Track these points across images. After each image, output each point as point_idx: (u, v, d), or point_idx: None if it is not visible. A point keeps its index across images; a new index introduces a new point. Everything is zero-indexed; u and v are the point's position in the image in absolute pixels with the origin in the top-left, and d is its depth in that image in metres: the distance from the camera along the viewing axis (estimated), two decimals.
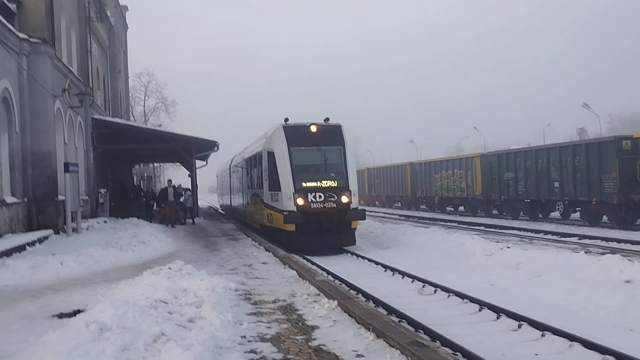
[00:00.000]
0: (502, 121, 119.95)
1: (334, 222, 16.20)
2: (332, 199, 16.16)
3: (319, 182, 16.36)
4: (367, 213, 18.30)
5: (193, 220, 27.00)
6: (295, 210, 15.99)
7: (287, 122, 17.44)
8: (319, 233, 16.11)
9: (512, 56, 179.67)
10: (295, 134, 16.97)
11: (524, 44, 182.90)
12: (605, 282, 9.55)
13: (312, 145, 16.84)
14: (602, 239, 17.79)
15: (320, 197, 16.11)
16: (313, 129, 16.97)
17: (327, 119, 17.61)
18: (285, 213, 16.11)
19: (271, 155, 17.25)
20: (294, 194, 16.10)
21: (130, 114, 49.21)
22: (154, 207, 27.36)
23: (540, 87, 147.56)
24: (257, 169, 19.64)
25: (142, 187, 42.52)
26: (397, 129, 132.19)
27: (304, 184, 16.26)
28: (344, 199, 16.25)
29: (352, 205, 16.41)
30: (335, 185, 16.42)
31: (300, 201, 16.04)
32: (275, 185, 16.91)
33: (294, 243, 16.18)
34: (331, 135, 17.21)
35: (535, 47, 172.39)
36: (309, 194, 16.09)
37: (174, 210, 24.90)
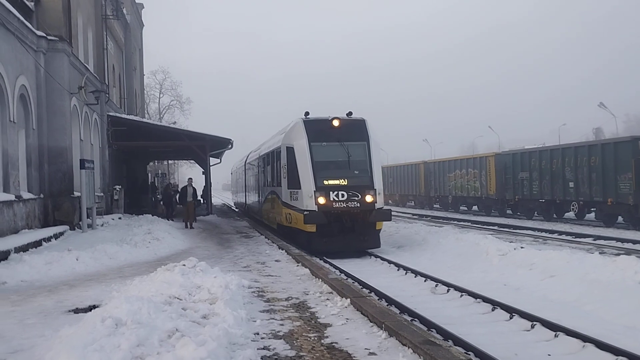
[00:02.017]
0: (517, 118, 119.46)
1: (357, 222, 15.38)
2: (356, 198, 15.29)
3: (341, 179, 15.49)
4: None
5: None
6: (317, 210, 15.14)
7: (308, 116, 16.57)
8: (341, 234, 15.31)
9: (524, 51, 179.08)
10: (317, 129, 16.14)
11: (536, 38, 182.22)
12: (619, 283, 9.47)
13: (335, 141, 16.00)
14: (617, 239, 17.65)
15: (343, 195, 15.25)
16: (335, 123, 16.08)
17: (349, 113, 16.70)
18: (305, 213, 15.23)
19: (290, 151, 16.35)
20: (315, 192, 15.26)
21: (145, 112, 49.59)
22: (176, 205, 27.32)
23: (556, 83, 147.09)
24: (275, 165, 18.75)
25: (156, 184, 42.73)
26: (410, 125, 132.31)
27: (325, 182, 15.42)
28: (369, 198, 15.38)
29: (377, 205, 15.54)
30: (359, 183, 15.57)
31: (321, 200, 15.19)
32: (294, 183, 16.06)
33: (314, 244, 15.42)
34: (355, 130, 16.33)
35: (549, 42, 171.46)
36: (331, 193, 15.23)
37: (192, 210, 24.67)
